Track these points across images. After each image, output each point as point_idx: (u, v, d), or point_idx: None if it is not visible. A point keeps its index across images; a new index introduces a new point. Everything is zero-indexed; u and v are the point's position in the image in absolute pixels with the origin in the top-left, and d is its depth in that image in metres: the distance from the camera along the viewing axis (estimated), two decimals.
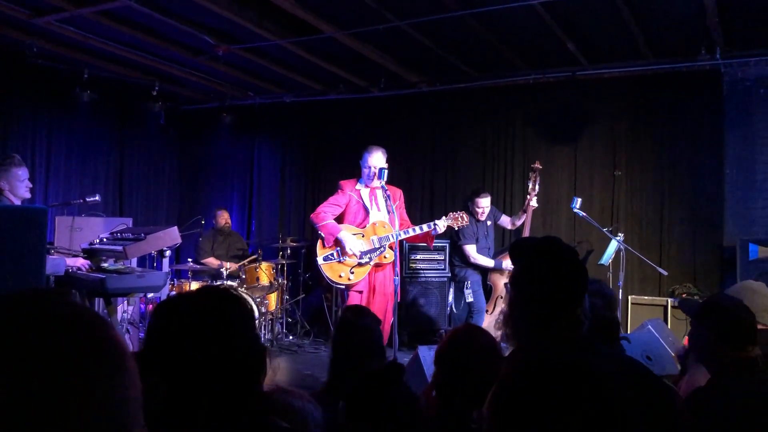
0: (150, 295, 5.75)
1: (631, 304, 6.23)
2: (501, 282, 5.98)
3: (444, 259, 6.93)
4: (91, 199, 4.91)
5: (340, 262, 4.95)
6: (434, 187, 7.72)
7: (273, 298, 6.91)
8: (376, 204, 5.11)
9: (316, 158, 8.52)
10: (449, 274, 6.70)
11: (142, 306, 6.29)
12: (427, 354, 3.84)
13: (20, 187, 4.36)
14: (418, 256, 6.93)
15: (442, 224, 5.02)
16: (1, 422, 0.64)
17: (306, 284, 7.50)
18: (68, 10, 5.33)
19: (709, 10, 4.98)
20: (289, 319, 7.40)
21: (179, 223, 6.18)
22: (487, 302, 6.08)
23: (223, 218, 7.66)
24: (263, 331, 6.69)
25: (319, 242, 5.04)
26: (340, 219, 5.12)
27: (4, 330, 0.69)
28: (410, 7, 5.21)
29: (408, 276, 6.82)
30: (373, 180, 5.02)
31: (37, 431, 0.65)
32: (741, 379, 2.09)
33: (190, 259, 6.93)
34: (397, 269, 4.65)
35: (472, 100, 7.44)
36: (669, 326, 5.45)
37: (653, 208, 6.55)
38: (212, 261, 7.19)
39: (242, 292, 5.70)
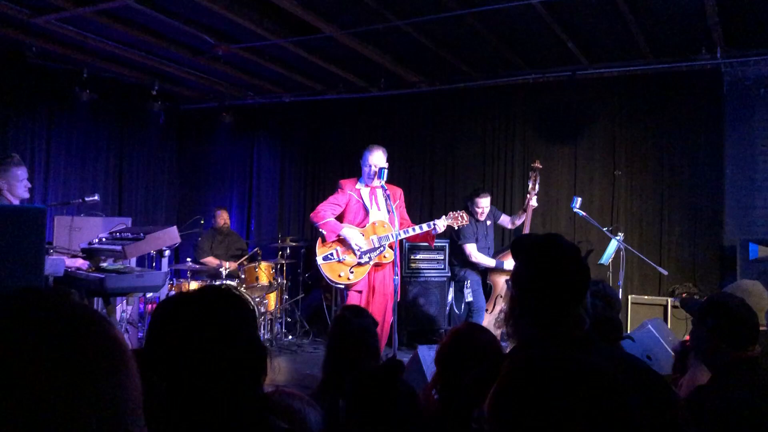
0: (149, 294, 5.73)
1: (631, 303, 6.23)
2: (501, 281, 5.98)
3: (444, 259, 6.93)
4: (90, 198, 4.91)
5: (339, 261, 4.94)
6: (434, 186, 7.71)
7: (272, 298, 6.90)
8: (376, 203, 5.09)
9: (315, 158, 8.51)
10: (449, 274, 6.70)
11: (141, 306, 6.28)
12: (426, 353, 3.83)
13: (19, 186, 4.36)
14: (418, 256, 6.93)
15: (441, 224, 5.00)
16: (2, 422, 0.64)
17: (305, 284, 7.50)
18: (68, 9, 5.33)
19: (709, 10, 4.98)
20: (289, 319, 7.39)
21: (178, 223, 6.18)
22: (486, 301, 6.08)
23: (222, 218, 7.65)
24: (262, 331, 6.68)
25: (318, 241, 5.03)
26: (340, 218, 5.10)
27: (4, 330, 0.69)
28: (410, 7, 5.21)
29: (408, 275, 6.82)
30: (373, 179, 5.01)
31: (38, 431, 0.65)
32: (742, 378, 2.09)
33: (189, 259, 6.91)
34: (397, 269, 4.63)
35: (471, 100, 7.43)
36: (669, 326, 5.46)
37: (653, 208, 6.55)
38: (211, 260, 7.18)
39: (242, 291, 5.69)
